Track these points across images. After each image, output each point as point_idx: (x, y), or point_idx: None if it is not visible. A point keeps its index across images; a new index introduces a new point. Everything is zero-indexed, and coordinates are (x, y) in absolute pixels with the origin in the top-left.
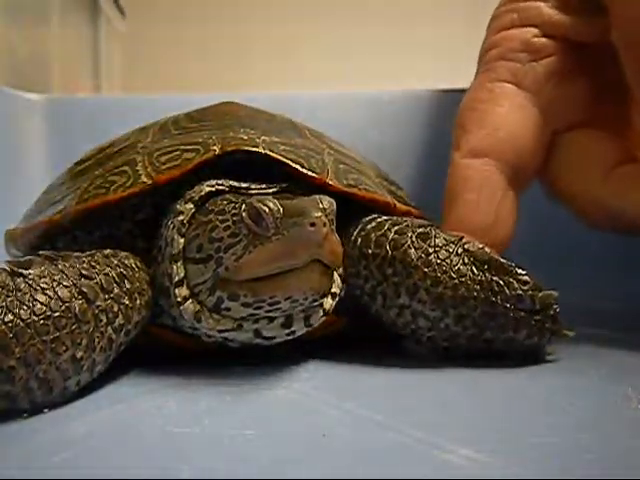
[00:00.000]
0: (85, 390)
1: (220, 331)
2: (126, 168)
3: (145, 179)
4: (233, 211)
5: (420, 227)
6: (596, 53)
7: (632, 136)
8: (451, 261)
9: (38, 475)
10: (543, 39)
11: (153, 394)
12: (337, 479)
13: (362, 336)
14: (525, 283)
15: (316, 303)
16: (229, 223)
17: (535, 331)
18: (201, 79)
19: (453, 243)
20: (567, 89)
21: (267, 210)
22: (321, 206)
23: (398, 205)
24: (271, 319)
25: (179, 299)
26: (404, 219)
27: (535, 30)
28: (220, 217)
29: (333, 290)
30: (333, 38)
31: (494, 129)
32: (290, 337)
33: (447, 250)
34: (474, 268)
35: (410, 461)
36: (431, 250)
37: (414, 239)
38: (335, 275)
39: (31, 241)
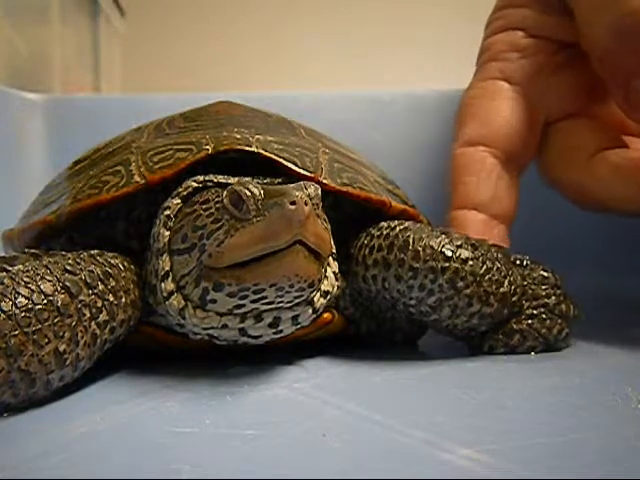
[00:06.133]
0: (85, 391)
1: (205, 328)
2: (120, 168)
3: (138, 179)
4: (216, 199)
5: (458, 236)
6: (582, 50)
7: (620, 125)
8: (500, 264)
9: (38, 475)
10: (529, 39)
11: (153, 394)
12: (337, 479)
13: (362, 337)
14: (542, 268)
15: (304, 295)
16: (212, 210)
17: (562, 299)
18: (201, 79)
19: (490, 247)
20: (556, 82)
21: (248, 193)
22: (306, 191)
23: (394, 204)
24: (258, 319)
25: (165, 293)
26: (438, 228)
27: (521, 33)
28: (204, 206)
29: (325, 288)
30: (333, 38)
31: (486, 121)
32: (277, 335)
33: (493, 255)
34: (508, 264)
35: (410, 461)
36: (483, 258)
37: (471, 249)
38: (329, 272)
39: (27, 242)
